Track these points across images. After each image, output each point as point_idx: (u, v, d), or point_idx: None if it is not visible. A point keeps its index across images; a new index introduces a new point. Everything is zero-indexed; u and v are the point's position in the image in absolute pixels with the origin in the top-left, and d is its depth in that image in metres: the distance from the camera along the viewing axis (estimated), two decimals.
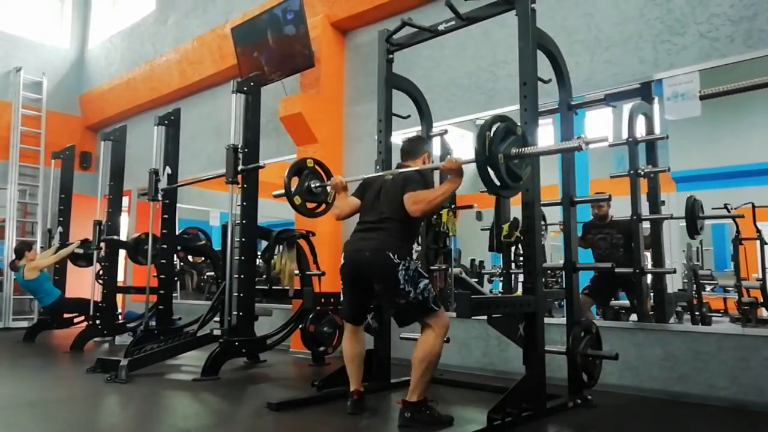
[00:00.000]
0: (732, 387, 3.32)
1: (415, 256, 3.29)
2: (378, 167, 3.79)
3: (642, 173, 4.00)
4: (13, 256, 6.60)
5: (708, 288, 4.85)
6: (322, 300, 4.04)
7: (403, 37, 3.88)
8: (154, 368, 4.30)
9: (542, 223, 3.66)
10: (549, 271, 5.39)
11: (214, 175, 4.93)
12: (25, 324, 7.39)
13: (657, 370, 3.60)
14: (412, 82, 4.15)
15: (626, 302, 4.60)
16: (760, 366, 3.24)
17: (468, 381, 3.92)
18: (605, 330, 3.53)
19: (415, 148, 3.20)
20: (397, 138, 3.84)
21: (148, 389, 3.85)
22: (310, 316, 4.63)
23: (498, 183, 2.71)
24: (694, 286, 4.33)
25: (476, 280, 5.73)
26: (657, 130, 4.06)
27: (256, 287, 4.70)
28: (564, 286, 3.45)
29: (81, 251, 6.51)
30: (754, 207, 4.23)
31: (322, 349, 4.75)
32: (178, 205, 5.52)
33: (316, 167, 3.62)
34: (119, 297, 6.76)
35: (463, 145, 5.03)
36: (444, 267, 4.45)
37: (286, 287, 4.82)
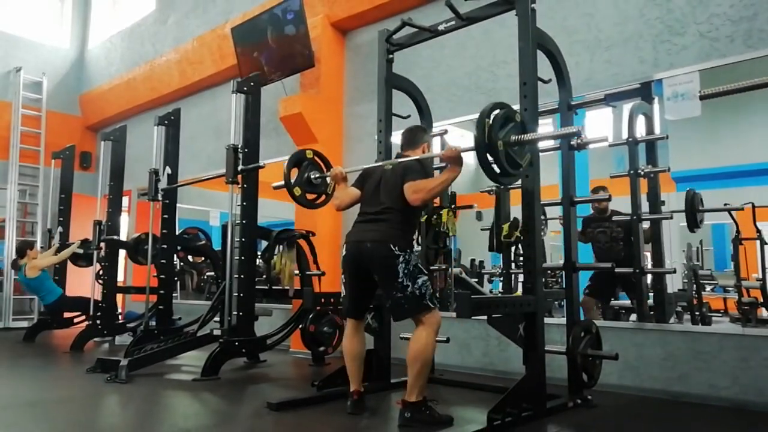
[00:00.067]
0: (732, 387, 3.32)
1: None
2: None
3: (642, 173, 4.00)
4: (14, 256, 6.60)
5: (708, 288, 4.85)
6: (322, 300, 4.04)
7: (403, 37, 3.88)
8: (154, 368, 4.30)
9: (542, 217, 3.67)
10: (549, 271, 5.39)
11: (214, 175, 4.92)
12: (25, 324, 7.39)
13: (657, 370, 3.60)
14: (412, 82, 4.15)
15: (626, 302, 4.60)
16: (760, 366, 3.24)
17: (468, 381, 3.92)
18: (605, 330, 3.53)
19: (414, 137, 3.20)
20: (397, 138, 3.84)
21: (148, 389, 3.85)
22: (310, 316, 4.64)
23: (498, 170, 2.72)
24: (694, 286, 4.33)
25: (476, 280, 5.73)
26: (657, 130, 4.06)
27: (256, 287, 4.70)
28: (564, 286, 3.45)
29: (81, 251, 6.52)
30: (754, 207, 4.23)
31: (322, 349, 4.75)
32: (178, 205, 5.52)
33: (316, 158, 3.61)
34: (119, 297, 6.76)
35: (463, 145, 5.01)
36: (444, 267, 4.44)
37: (286, 287, 4.82)
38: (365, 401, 3.08)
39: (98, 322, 5.75)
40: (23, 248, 6.51)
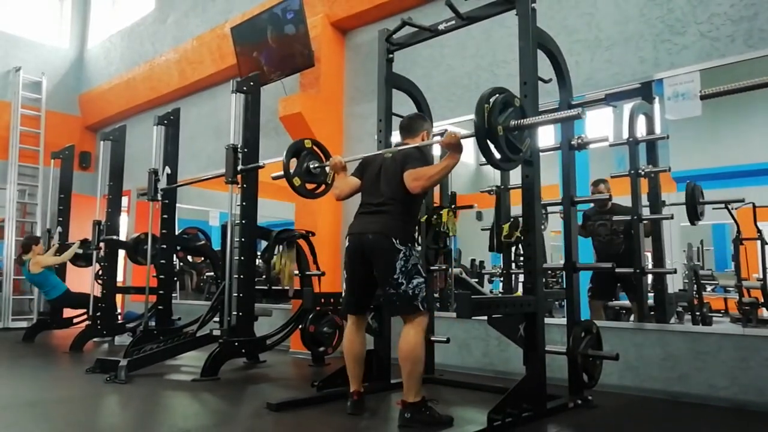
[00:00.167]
0: (732, 387, 3.31)
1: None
2: None
3: (642, 173, 4.00)
4: (13, 256, 6.61)
5: (708, 288, 4.84)
6: (322, 300, 4.02)
7: (403, 37, 3.88)
8: (154, 368, 4.30)
9: (542, 212, 3.66)
10: (549, 271, 5.39)
11: (214, 175, 4.92)
12: (24, 324, 7.37)
13: (657, 370, 3.59)
14: (412, 81, 4.14)
15: (626, 302, 4.60)
16: (760, 366, 3.24)
17: (468, 381, 3.91)
18: (605, 330, 3.52)
19: (414, 125, 3.19)
20: (397, 137, 3.83)
21: (148, 389, 3.84)
22: (310, 316, 4.63)
23: (498, 156, 2.71)
24: (695, 286, 4.33)
25: (476, 280, 5.72)
26: (657, 129, 4.05)
27: (256, 287, 4.69)
28: (564, 286, 3.45)
29: (80, 251, 6.52)
30: (754, 207, 4.22)
31: (321, 349, 4.75)
32: (177, 205, 5.51)
33: (314, 148, 3.59)
34: (119, 297, 6.75)
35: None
36: (444, 267, 4.43)
37: (285, 287, 4.81)
38: (365, 401, 3.08)
39: (98, 322, 5.74)
40: (29, 244, 6.54)
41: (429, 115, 4.19)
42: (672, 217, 4.03)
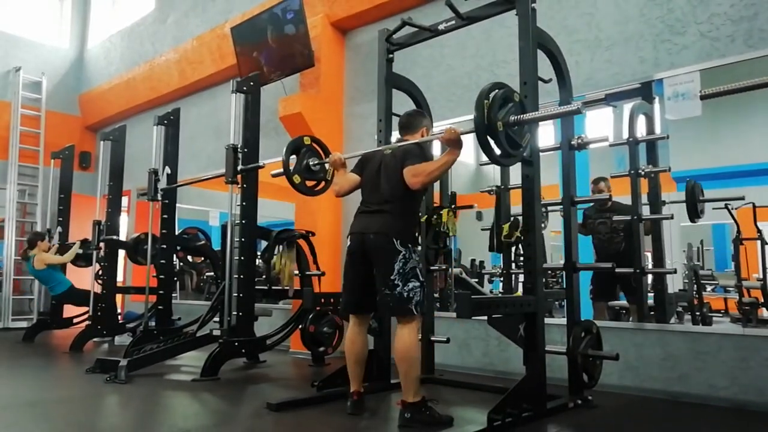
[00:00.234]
0: (732, 387, 3.31)
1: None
2: None
3: (642, 173, 4.00)
4: (13, 257, 6.61)
5: (709, 288, 4.85)
6: (322, 300, 4.02)
7: (403, 37, 3.87)
8: (154, 368, 4.30)
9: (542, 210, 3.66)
10: (549, 271, 5.39)
11: (214, 175, 4.92)
12: (24, 324, 7.37)
13: (657, 370, 3.59)
14: (412, 81, 4.14)
15: (626, 303, 4.60)
16: (760, 366, 3.24)
17: (468, 381, 3.91)
18: (605, 330, 3.52)
19: (413, 121, 3.18)
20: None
21: (148, 389, 3.84)
22: (310, 316, 4.63)
23: (498, 151, 2.71)
24: (695, 286, 4.33)
25: (476, 280, 5.73)
26: (657, 129, 4.06)
27: (256, 287, 4.69)
28: (564, 286, 3.45)
29: (80, 251, 6.52)
30: (754, 207, 4.23)
31: (321, 349, 4.75)
32: (177, 205, 5.51)
33: (314, 145, 3.59)
34: (119, 297, 6.75)
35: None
36: (444, 267, 4.44)
37: (285, 287, 4.81)
38: (365, 401, 3.08)
39: (98, 322, 5.74)
40: (34, 239, 6.55)
41: (429, 115, 4.20)
42: (672, 217, 4.03)
